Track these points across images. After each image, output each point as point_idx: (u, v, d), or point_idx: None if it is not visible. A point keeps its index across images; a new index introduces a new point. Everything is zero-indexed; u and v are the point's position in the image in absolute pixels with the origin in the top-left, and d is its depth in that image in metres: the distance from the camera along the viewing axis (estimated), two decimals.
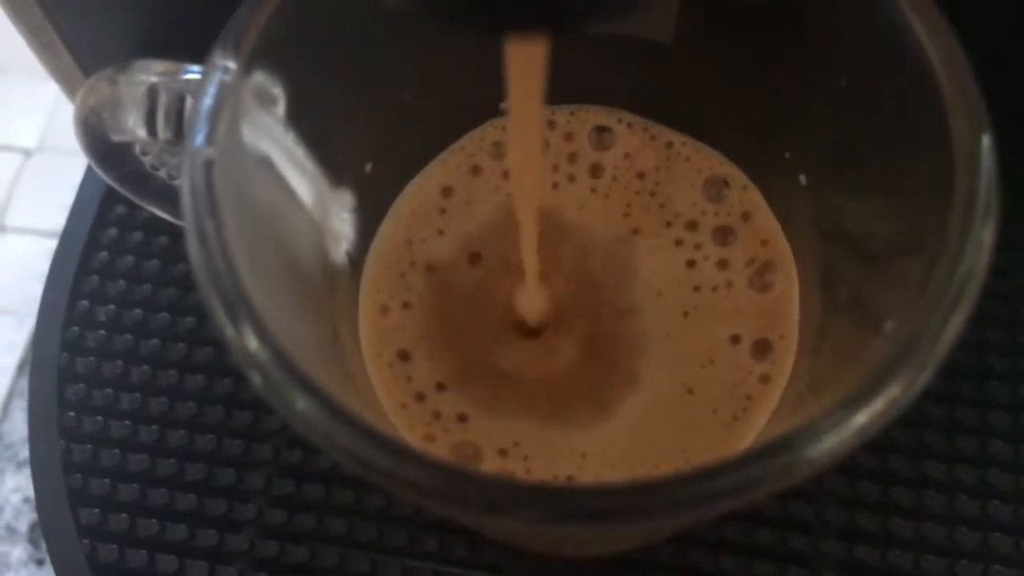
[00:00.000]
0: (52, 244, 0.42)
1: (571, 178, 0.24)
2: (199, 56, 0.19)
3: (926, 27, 0.16)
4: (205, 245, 0.15)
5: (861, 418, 0.14)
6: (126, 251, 0.29)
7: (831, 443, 0.14)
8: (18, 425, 0.38)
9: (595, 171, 0.24)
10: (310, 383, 0.15)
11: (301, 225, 0.19)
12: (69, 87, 0.28)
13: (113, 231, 0.29)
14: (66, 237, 0.29)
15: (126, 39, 0.25)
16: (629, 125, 0.24)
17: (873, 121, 0.18)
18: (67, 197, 0.42)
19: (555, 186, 0.24)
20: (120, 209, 0.29)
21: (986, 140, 0.16)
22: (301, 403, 0.15)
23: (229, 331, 0.15)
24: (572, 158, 0.24)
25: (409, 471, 0.14)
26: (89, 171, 0.30)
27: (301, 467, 0.26)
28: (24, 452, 0.37)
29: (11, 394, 0.39)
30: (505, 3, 0.12)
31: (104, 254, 0.29)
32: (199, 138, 0.16)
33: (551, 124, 0.24)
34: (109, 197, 0.29)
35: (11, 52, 0.46)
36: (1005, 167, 0.16)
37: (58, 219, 0.43)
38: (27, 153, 0.45)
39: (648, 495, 0.14)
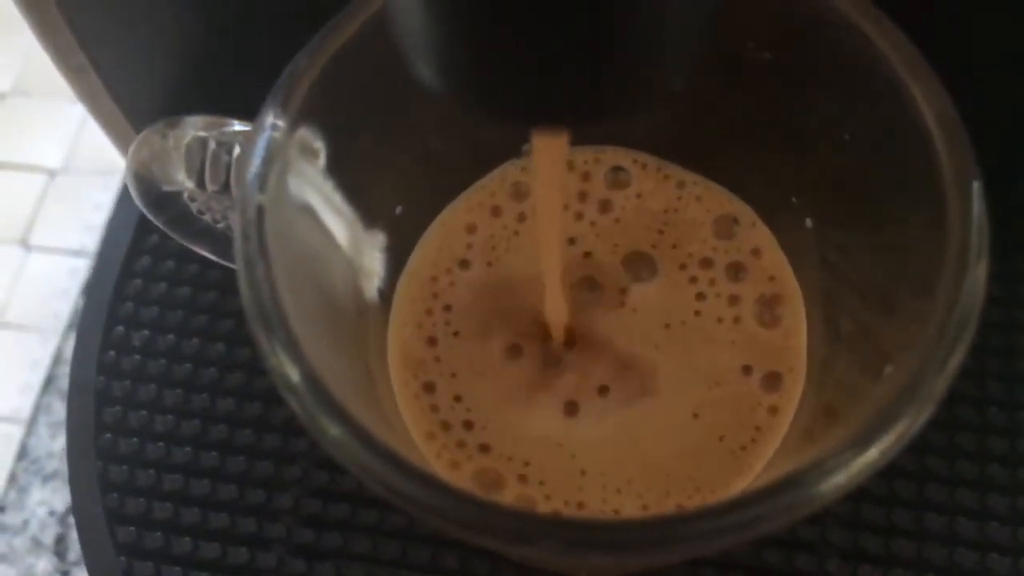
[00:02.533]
0: (76, 263, 0.43)
1: (579, 215, 0.25)
2: (235, 94, 0.20)
3: (922, 89, 0.17)
4: (255, 285, 0.17)
5: (868, 456, 0.15)
6: (159, 278, 0.30)
7: (840, 480, 0.15)
8: (44, 440, 0.39)
9: (605, 206, 0.25)
10: (344, 413, 0.16)
11: (338, 265, 0.20)
12: (105, 121, 0.29)
13: (147, 259, 0.30)
14: (101, 264, 0.30)
15: (167, 82, 0.26)
16: (644, 166, 0.25)
17: (874, 172, 0.19)
18: (91, 217, 0.43)
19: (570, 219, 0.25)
20: (153, 238, 0.30)
21: (976, 188, 0.17)
22: (334, 431, 0.16)
23: (273, 361, 0.16)
24: (582, 196, 0.25)
25: (435, 500, 0.15)
26: (122, 200, 0.31)
27: (328, 487, 0.26)
28: (50, 466, 0.38)
29: (36, 410, 0.40)
30: (533, 103, 0.13)
31: (138, 281, 0.30)
32: (252, 189, 0.17)
33: (569, 164, 0.25)
34: (142, 226, 0.30)
35: (36, 74, 0.48)
36: (1005, 202, 0.17)
37: (82, 239, 0.44)
38: (52, 173, 0.46)
39: (662, 530, 0.15)
